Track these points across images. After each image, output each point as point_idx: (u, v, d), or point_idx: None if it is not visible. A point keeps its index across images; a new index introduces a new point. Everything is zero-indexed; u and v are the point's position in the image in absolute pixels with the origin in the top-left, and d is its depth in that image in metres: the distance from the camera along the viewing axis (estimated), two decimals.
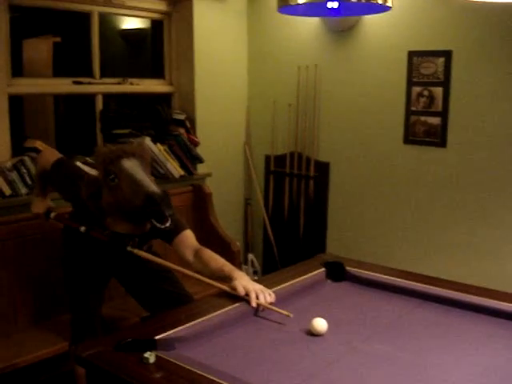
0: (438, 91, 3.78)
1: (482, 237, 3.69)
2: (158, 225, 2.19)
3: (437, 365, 1.71)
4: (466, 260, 3.76)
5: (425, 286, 2.24)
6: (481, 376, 1.66)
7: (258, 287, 2.10)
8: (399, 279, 2.33)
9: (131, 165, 2.26)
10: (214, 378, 1.51)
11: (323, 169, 4.35)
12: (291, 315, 1.97)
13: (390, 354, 1.77)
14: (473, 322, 2.03)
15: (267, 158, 4.65)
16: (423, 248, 3.95)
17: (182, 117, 4.20)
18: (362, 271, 2.42)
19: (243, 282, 2.11)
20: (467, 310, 2.11)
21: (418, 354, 1.78)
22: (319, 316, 1.91)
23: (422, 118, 3.85)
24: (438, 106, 3.78)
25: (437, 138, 3.82)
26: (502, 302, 2.10)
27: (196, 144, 4.20)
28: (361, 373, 1.65)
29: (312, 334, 1.87)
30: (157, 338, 1.74)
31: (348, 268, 2.43)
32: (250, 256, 4.69)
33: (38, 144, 3.40)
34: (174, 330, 1.80)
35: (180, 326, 1.83)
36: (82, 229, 2.45)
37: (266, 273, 4.60)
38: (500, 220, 3.61)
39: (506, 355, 1.80)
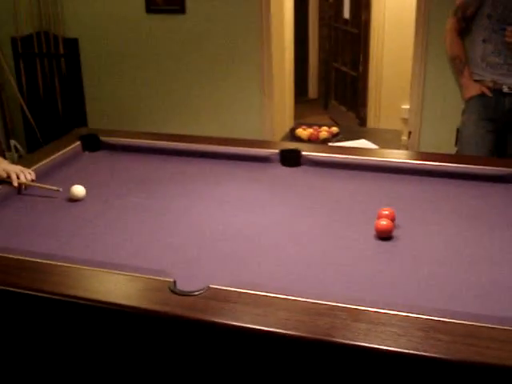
0: None
1: (223, 91, 4.11)
2: None
3: (182, 207, 2.06)
4: (212, 114, 4.19)
5: (170, 143, 2.56)
6: (217, 207, 2.05)
7: (17, 168, 2.22)
8: (149, 141, 2.61)
9: None
10: None
11: (72, 45, 4.36)
12: (61, 189, 2.12)
13: (142, 204, 2.07)
14: (215, 168, 2.41)
15: (13, 40, 4.49)
16: (178, 110, 4.28)
17: None
18: (116, 139, 2.64)
19: (2, 164, 2.22)
20: (214, 159, 2.48)
21: (165, 200, 2.11)
22: (77, 184, 2.12)
23: None
24: None
25: (177, 5, 4.04)
26: (240, 148, 2.50)
27: None
28: (116, 223, 1.93)
29: (73, 200, 2.09)
30: None
31: (103, 138, 2.64)
32: (13, 142, 4.65)
33: None
34: None
35: None
36: None
37: None
38: (237, 77, 4.04)
39: (244, 189, 2.21)
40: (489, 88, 3.25)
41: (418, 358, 1.21)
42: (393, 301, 1.43)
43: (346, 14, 6.07)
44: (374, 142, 3.69)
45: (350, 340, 1.25)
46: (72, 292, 1.46)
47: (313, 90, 7.58)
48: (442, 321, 1.30)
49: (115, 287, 1.49)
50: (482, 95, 3.28)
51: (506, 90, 3.22)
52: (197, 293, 1.42)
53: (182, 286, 1.45)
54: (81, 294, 1.45)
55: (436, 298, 1.48)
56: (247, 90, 4.07)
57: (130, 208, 2.05)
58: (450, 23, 3.39)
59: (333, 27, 6.52)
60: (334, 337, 1.26)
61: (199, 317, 1.35)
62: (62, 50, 4.36)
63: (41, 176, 2.25)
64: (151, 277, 1.50)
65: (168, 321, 1.37)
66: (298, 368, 1.33)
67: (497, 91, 3.24)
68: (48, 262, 1.59)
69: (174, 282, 1.47)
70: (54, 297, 1.45)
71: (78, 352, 1.55)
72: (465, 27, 3.34)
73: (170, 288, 1.44)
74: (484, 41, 3.22)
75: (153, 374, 1.49)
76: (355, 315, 1.33)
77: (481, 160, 2.50)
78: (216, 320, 1.34)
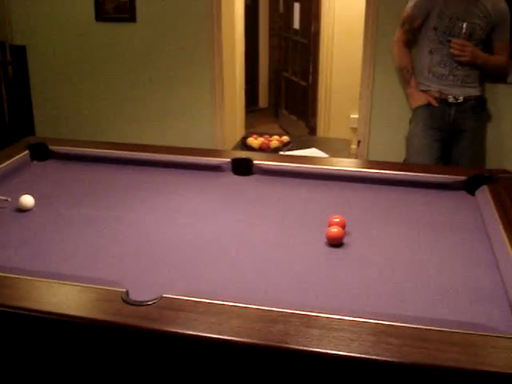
0: None
1: (174, 100, 4.10)
2: None
3: (134, 217, 2.04)
4: (163, 123, 4.17)
5: (121, 152, 2.54)
6: (175, 215, 2.04)
7: None
8: (99, 150, 2.58)
9: None
10: None
11: (20, 53, 4.28)
12: (9, 199, 2.07)
13: (92, 214, 2.05)
14: (166, 177, 2.40)
15: None
16: (127, 118, 4.25)
17: None
18: (66, 148, 2.60)
19: None
20: (165, 168, 2.47)
21: (116, 210, 2.09)
22: (26, 193, 2.08)
23: None
24: None
25: (127, 13, 4.02)
26: (192, 157, 2.50)
27: None
28: (66, 234, 1.90)
29: (21, 210, 2.05)
30: None
31: (52, 147, 2.60)
32: None
33: None
34: None
35: None
36: None
37: None
38: (188, 86, 4.04)
39: (196, 198, 2.21)
40: (435, 98, 3.35)
41: (370, 361, 1.24)
42: (344, 306, 1.46)
43: (296, 25, 6.15)
44: (324, 151, 3.74)
45: (304, 346, 1.27)
46: (23, 304, 1.43)
47: (263, 100, 7.64)
48: (393, 325, 1.33)
49: (67, 298, 1.47)
50: (428, 105, 3.37)
51: (451, 100, 3.32)
52: (150, 302, 1.41)
53: (134, 296, 1.44)
54: (32, 305, 1.42)
55: (386, 302, 1.51)
56: (198, 100, 4.07)
57: (81, 218, 2.02)
58: (397, 35, 3.48)
59: (283, 37, 6.60)
60: (287, 343, 1.27)
61: (153, 326, 1.34)
62: (9, 58, 4.27)
63: None
64: (103, 287, 1.48)
65: (121, 331, 1.36)
66: (254, 375, 1.34)
67: (443, 101, 3.34)
68: None
69: (127, 292, 1.45)
70: (4, 309, 1.42)
71: (30, 365, 1.51)
72: (412, 38, 3.44)
73: (122, 298, 1.43)
74: (430, 52, 3.32)
75: None
76: (308, 321, 1.34)
77: (428, 168, 2.56)
78: (170, 329, 1.33)
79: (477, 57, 3.27)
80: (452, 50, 3.24)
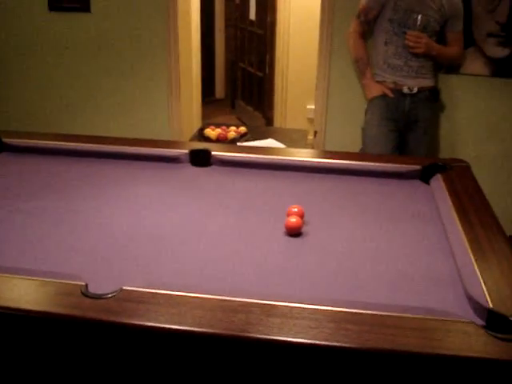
0: None
1: (130, 91, 4.07)
2: None
3: (92, 209, 2.02)
4: (118, 114, 4.12)
5: (77, 144, 2.51)
6: (134, 207, 2.03)
7: None
8: (54, 142, 2.54)
9: None
10: None
11: None
12: None
13: (49, 207, 2.02)
14: (123, 169, 2.38)
15: None
16: (84, 110, 4.18)
17: None
18: (20, 140, 2.55)
19: None
20: (122, 159, 2.45)
21: (73, 203, 2.06)
22: None
23: None
24: None
25: (81, 3, 3.95)
26: (149, 148, 2.48)
27: None
28: (23, 227, 1.87)
29: None
30: None
31: (5, 139, 2.54)
32: None
33: None
34: None
35: None
36: None
37: None
38: (144, 77, 4.00)
39: (155, 190, 2.19)
40: (390, 89, 3.40)
41: (330, 348, 1.26)
42: (304, 294, 1.48)
43: (252, 16, 6.15)
44: (281, 142, 3.75)
45: (265, 335, 1.28)
46: None
47: (220, 91, 7.63)
48: (351, 312, 1.35)
49: (25, 293, 1.44)
50: (383, 96, 3.42)
51: (406, 90, 3.38)
52: (110, 295, 1.40)
53: (94, 288, 1.43)
54: None
55: (345, 290, 1.54)
56: (154, 91, 4.04)
57: (37, 211, 1.99)
58: (353, 26, 3.52)
59: (239, 28, 6.59)
60: (249, 332, 1.28)
61: (113, 319, 1.34)
62: None
63: None
64: (62, 281, 1.47)
65: (82, 325, 1.35)
66: (216, 365, 1.35)
67: (398, 92, 3.39)
68: None
69: (86, 285, 1.44)
70: None
71: None
72: (367, 30, 3.48)
73: (81, 291, 1.42)
74: (386, 43, 3.36)
75: (67, 379, 1.46)
76: (269, 310, 1.36)
77: (383, 158, 2.61)
78: (130, 321, 1.33)
79: (431, 48, 3.33)
80: (407, 42, 3.29)
